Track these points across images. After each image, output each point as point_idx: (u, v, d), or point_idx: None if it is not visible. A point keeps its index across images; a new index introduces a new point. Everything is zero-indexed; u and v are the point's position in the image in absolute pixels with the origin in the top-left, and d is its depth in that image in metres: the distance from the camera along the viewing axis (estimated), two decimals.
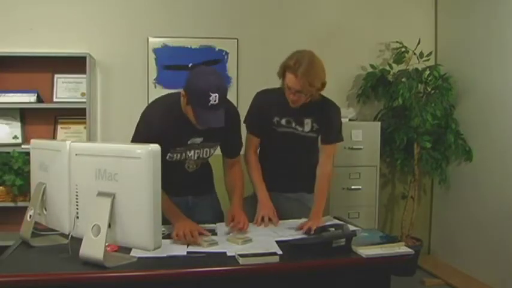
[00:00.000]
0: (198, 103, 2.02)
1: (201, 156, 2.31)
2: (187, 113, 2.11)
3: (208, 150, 2.32)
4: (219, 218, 2.46)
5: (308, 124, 2.44)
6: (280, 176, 2.50)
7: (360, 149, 3.78)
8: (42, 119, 3.70)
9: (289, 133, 2.45)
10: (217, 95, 1.98)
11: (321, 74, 2.28)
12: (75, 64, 3.57)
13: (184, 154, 2.26)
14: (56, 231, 1.93)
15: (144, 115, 2.23)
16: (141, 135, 2.20)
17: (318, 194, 2.40)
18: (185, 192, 2.41)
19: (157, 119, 2.19)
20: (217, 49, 3.96)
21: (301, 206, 2.48)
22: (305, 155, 2.50)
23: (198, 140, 2.24)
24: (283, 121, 2.44)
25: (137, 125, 2.23)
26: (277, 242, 2.03)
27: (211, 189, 2.59)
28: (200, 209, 2.46)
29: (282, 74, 2.34)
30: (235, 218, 2.21)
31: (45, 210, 1.96)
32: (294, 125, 2.44)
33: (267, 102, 2.47)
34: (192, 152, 2.27)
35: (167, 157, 2.19)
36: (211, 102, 1.98)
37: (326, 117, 2.45)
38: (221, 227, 2.27)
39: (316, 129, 2.45)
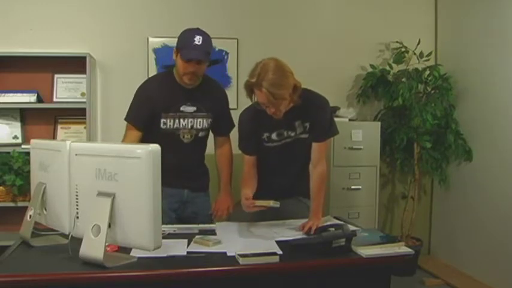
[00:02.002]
0: (184, 45, 2.34)
1: (194, 126, 2.48)
2: (178, 69, 2.40)
3: (201, 121, 2.49)
4: (206, 219, 2.53)
5: (299, 126, 2.34)
6: (277, 184, 2.43)
7: (360, 149, 3.78)
8: (42, 119, 3.70)
9: (285, 144, 2.37)
10: (201, 37, 2.33)
11: (287, 80, 2.13)
12: (75, 64, 3.57)
13: (178, 121, 2.44)
14: (56, 231, 1.93)
15: (138, 87, 2.50)
16: (134, 104, 2.48)
17: (315, 194, 2.33)
18: (182, 184, 2.51)
19: (150, 86, 2.49)
20: (217, 49, 3.95)
21: (301, 205, 2.47)
22: (301, 158, 2.40)
23: (191, 108, 2.46)
24: (273, 136, 2.35)
25: (132, 99, 2.51)
26: (277, 242, 2.03)
27: (206, 189, 2.68)
28: (193, 205, 2.58)
29: (250, 94, 2.22)
30: (216, 205, 2.60)
31: (45, 210, 1.96)
32: (285, 134, 2.35)
33: (252, 122, 2.35)
34: (186, 120, 2.46)
35: (161, 124, 2.42)
36: (195, 42, 2.31)
37: (313, 114, 2.32)
38: (221, 227, 2.28)
39: (309, 129, 2.35)
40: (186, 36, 2.37)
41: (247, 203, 2.17)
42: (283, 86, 2.11)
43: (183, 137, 2.47)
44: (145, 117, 2.43)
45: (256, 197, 2.52)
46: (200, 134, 2.52)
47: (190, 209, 2.57)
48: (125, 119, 2.49)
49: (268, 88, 2.09)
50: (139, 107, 2.46)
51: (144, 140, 2.41)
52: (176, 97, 2.44)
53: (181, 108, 2.44)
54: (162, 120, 2.42)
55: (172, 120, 2.44)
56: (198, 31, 2.37)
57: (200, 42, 2.32)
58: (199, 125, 2.49)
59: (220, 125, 2.61)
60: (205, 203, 2.65)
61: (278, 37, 4.05)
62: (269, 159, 2.41)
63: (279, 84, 2.10)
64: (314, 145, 2.33)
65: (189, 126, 2.47)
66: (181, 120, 2.45)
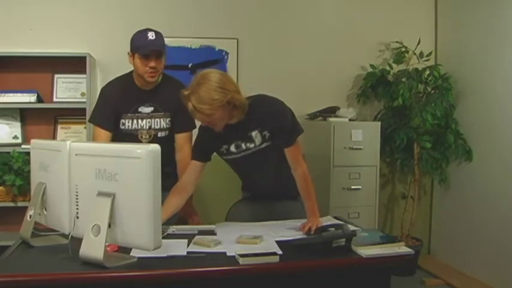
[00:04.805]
0: (139, 44, 2.39)
1: (152, 126, 2.52)
2: (137, 71, 2.43)
3: (159, 120, 2.52)
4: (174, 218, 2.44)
5: (257, 136, 2.24)
6: (268, 187, 2.45)
7: (360, 149, 3.78)
8: (42, 119, 3.70)
9: (246, 156, 2.29)
10: (153, 32, 2.40)
11: (216, 96, 2.03)
12: (75, 64, 3.57)
13: (136, 122, 2.51)
14: (56, 231, 1.93)
15: (100, 90, 2.59)
16: (96, 105, 2.58)
17: (305, 196, 2.31)
18: None
19: (109, 88, 2.56)
20: (217, 49, 3.96)
21: (299, 204, 2.44)
22: (274, 165, 2.37)
23: (148, 109, 2.51)
24: (232, 148, 2.28)
25: (96, 101, 2.61)
26: (277, 242, 2.03)
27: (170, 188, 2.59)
28: None
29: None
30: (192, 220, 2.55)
31: (45, 210, 1.96)
32: (244, 147, 2.27)
33: (208, 135, 2.26)
34: (144, 121, 2.51)
35: (120, 125, 2.50)
36: (149, 38, 2.38)
37: (270, 122, 2.22)
38: (220, 227, 2.27)
39: (269, 136, 2.24)
40: (138, 36, 2.42)
41: None
42: (206, 101, 2.02)
43: (141, 137, 2.52)
44: (110, 117, 2.49)
45: (253, 197, 2.55)
46: (160, 134, 2.55)
47: None
48: (91, 122, 2.59)
49: (194, 104, 2.04)
50: (103, 109, 2.52)
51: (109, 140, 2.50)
52: (134, 98, 2.50)
53: (139, 109, 2.50)
54: (121, 121, 2.50)
55: (130, 121, 2.51)
56: (148, 29, 2.43)
57: (154, 37, 2.39)
58: (157, 125, 2.53)
59: (177, 122, 2.56)
60: None
61: (278, 37, 4.06)
62: (240, 168, 2.43)
63: (201, 99, 2.02)
64: (285, 151, 2.28)
65: (147, 127, 2.52)
66: (139, 121, 2.51)
